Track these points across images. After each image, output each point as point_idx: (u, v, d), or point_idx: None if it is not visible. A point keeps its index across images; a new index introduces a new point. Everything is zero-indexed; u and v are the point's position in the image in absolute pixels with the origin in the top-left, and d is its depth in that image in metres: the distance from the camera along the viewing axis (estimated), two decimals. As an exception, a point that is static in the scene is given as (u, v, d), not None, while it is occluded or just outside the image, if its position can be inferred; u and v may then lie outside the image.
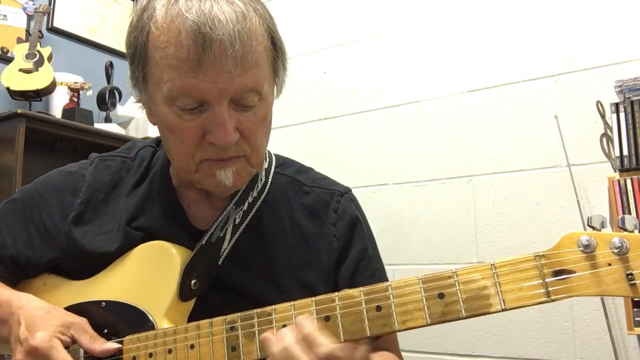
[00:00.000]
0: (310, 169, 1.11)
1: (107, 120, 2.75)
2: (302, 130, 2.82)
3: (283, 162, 1.09)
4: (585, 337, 2.04)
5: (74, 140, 2.45)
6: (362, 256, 1.02)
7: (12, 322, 0.91)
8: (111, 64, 2.82)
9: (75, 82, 2.64)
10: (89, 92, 2.70)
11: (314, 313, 0.77)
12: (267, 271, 0.97)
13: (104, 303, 0.94)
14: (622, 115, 1.89)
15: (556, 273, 0.67)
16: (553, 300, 0.66)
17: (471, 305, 0.70)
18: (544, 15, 2.27)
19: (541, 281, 0.67)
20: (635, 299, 1.78)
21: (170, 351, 0.86)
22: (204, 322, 0.84)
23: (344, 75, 2.75)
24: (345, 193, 1.07)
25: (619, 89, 1.92)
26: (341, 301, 0.76)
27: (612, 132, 1.93)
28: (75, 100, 2.64)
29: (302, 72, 2.84)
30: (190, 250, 0.94)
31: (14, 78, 2.37)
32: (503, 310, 0.68)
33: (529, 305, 0.67)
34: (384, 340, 1.00)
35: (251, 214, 0.99)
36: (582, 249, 0.66)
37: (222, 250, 0.95)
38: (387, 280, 0.98)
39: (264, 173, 1.03)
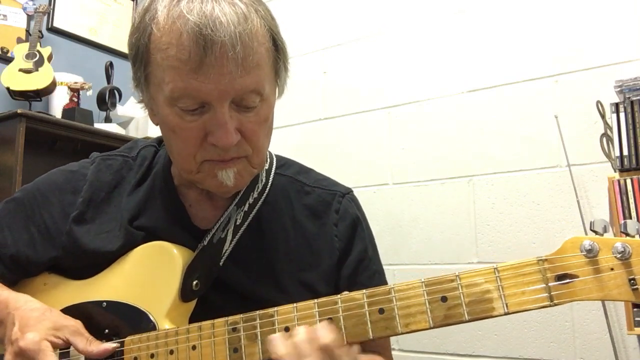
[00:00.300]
0: (311, 170, 1.12)
1: (107, 120, 2.76)
2: (302, 130, 2.82)
3: (284, 163, 1.10)
4: (585, 337, 2.04)
5: (74, 140, 2.45)
6: (363, 257, 1.03)
7: (7, 323, 0.90)
8: (111, 64, 2.82)
9: (75, 82, 2.65)
10: (89, 92, 2.70)
11: (316, 315, 0.77)
12: (268, 272, 0.97)
13: (104, 303, 0.94)
14: (622, 115, 1.89)
15: (559, 277, 0.67)
16: (556, 305, 0.66)
17: (474, 309, 0.70)
18: (544, 15, 2.27)
19: (544, 285, 0.67)
20: (635, 299, 1.77)
21: (172, 352, 0.86)
22: (205, 323, 0.84)
23: (344, 75, 2.75)
24: (346, 193, 1.07)
25: (619, 89, 1.92)
26: (344, 303, 0.76)
27: (612, 132, 1.93)
28: (75, 100, 2.64)
29: (302, 72, 2.84)
30: (192, 250, 0.94)
31: (14, 78, 2.38)
32: (506, 314, 0.68)
33: (531, 309, 0.67)
34: (374, 342, 1.00)
35: (252, 215, 0.99)
36: (584, 253, 0.66)
37: (223, 251, 0.95)
38: (386, 283, 0.98)
39: (264, 174, 1.04)
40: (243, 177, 0.91)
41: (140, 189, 1.02)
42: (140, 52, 0.86)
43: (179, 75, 0.80)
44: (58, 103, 2.58)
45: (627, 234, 0.64)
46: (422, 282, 0.73)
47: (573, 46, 2.20)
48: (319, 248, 1.00)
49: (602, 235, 0.66)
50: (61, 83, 2.58)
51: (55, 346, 0.85)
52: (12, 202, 1.05)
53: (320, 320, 0.76)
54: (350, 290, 0.78)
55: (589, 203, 2.09)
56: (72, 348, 0.88)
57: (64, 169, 1.08)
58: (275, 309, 0.80)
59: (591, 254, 0.65)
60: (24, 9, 2.59)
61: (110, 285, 0.96)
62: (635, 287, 0.62)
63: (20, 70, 2.40)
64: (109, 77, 2.80)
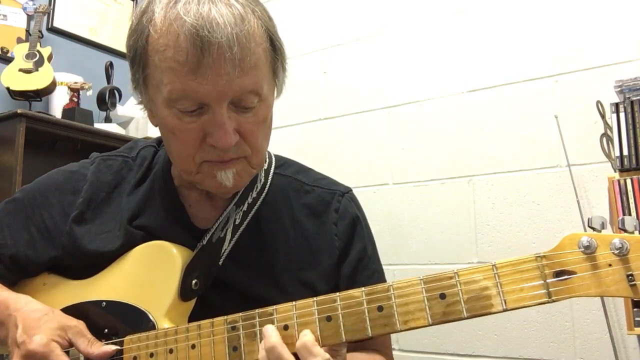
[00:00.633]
0: (310, 169, 1.12)
1: (107, 120, 2.76)
2: (302, 130, 2.82)
3: (283, 163, 1.10)
4: (585, 337, 2.04)
5: (74, 140, 2.45)
6: (362, 256, 1.03)
7: (9, 325, 0.90)
8: (111, 64, 2.82)
9: (75, 82, 2.65)
10: (89, 92, 2.70)
11: (315, 313, 0.77)
12: (267, 271, 0.97)
13: (104, 303, 0.94)
14: (622, 115, 1.89)
15: (557, 274, 0.67)
16: (554, 301, 0.66)
17: (473, 306, 0.70)
18: (544, 15, 2.27)
19: (542, 282, 0.67)
20: (635, 299, 1.78)
21: (171, 351, 0.86)
22: (205, 322, 0.84)
23: (344, 75, 2.76)
24: (346, 193, 1.07)
25: (619, 89, 1.92)
26: (343, 301, 0.76)
27: (612, 132, 1.93)
28: (75, 100, 2.64)
29: (302, 72, 2.84)
30: (191, 250, 0.94)
31: (14, 78, 2.38)
32: (504, 310, 0.68)
33: (530, 306, 0.68)
34: (374, 340, 1.00)
35: (251, 215, 0.99)
36: (582, 249, 0.66)
37: (222, 251, 0.95)
38: (385, 282, 0.98)
39: (263, 174, 1.04)
40: (242, 177, 0.91)
41: (140, 189, 1.02)
42: (138, 54, 0.86)
43: (176, 76, 0.81)
44: (58, 103, 2.58)
45: (625, 230, 0.64)
46: (421, 279, 0.73)
47: (573, 46, 2.20)
48: (318, 247, 1.01)
49: (600, 231, 0.66)
50: (61, 83, 2.58)
51: (60, 346, 0.86)
52: (12, 203, 1.06)
53: (319, 319, 0.77)
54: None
55: (589, 203, 2.09)
56: (72, 348, 0.89)
57: (64, 169, 1.08)
58: (274, 307, 0.80)
59: (589, 251, 0.65)
60: (24, 9, 2.60)
61: (110, 285, 0.96)
62: (633, 283, 0.62)
63: (20, 70, 2.40)
64: (109, 77, 2.80)
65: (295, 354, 0.76)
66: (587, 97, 2.12)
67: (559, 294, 0.66)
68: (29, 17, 2.61)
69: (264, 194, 1.02)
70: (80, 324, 0.90)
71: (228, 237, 0.96)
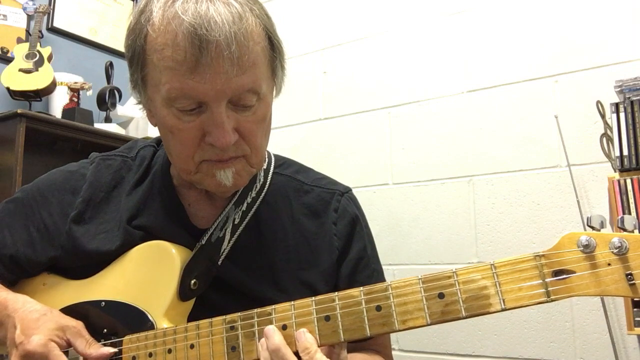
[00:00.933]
0: (310, 169, 1.12)
1: (107, 120, 2.76)
2: (302, 130, 2.82)
3: (283, 162, 1.10)
4: (585, 337, 2.04)
5: (74, 140, 2.45)
6: (362, 255, 1.03)
7: (7, 326, 0.90)
8: (111, 64, 2.82)
9: (75, 82, 2.65)
10: (89, 92, 2.70)
11: (314, 313, 0.77)
12: (267, 271, 0.97)
13: (103, 303, 0.94)
14: (622, 115, 1.89)
15: (556, 273, 0.67)
16: (553, 300, 0.66)
17: (471, 305, 0.70)
18: (544, 15, 2.27)
19: (541, 281, 0.67)
20: (635, 299, 1.78)
21: (170, 351, 0.86)
22: (203, 322, 0.84)
23: (344, 75, 2.75)
24: (345, 192, 1.07)
25: (619, 89, 1.92)
26: (341, 301, 0.76)
27: (612, 132, 1.93)
28: (75, 100, 2.64)
29: (302, 72, 2.84)
30: (190, 250, 0.94)
31: (14, 78, 2.38)
32: (503, 310, 0.68)
33: (529, 305, 0.67)
34: (374, 341, 1.00)
35: (250, 214, 0.99)
36: (581, 249, 0.66)
37: (221, 250, 0.95)
38: (384, 281, 0.98)
39: (262, 173, 1.04)
40: (242, 176, 0.91)
41: (139, 189, 1.02)
42: (137, 54, 0.86)
43: (175, 75, 0.81)
44: (58, 103, 2.58)
45: (624, 229, 0.64)
46: (419, 279, 0.73)
47: (573, 46, 2.20)
48: (318, 247, 1.00)
49: (599, 230, 0.66)
50: (61, 83, 2.58)
51: (58, 347, 0.86)
52: (11, 203, 1.06)
53: (317, 319, 0.76)
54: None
55: (589, 203, 2.09)
56: (71, 348, 0.89)
57: (63, 169, 1.08)
58: (273, 307, 0.80)
59: (588, 250, 0.65)
60: (24, 9, 2.59)
61: (109, 285, 0.96)
62: (632, 282, 0.62)
63: (20, 70, 2.40)
64: (109, 77, 2.80)
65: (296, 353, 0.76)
66: (587, 97, 2.12)
67: (558, 294, 0.66)
68: (29, 17, 2.61)
69: (263, 194, 1.02)
70: (78, 324, 0.90)
71: (227, 236, 0.96)
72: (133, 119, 2.81)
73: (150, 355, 0.87)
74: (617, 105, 1.91)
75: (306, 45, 2.87)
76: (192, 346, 0.84)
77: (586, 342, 2.03)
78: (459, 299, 0.70)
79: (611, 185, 1.88)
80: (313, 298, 0.78)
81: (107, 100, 2.72)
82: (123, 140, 2.45)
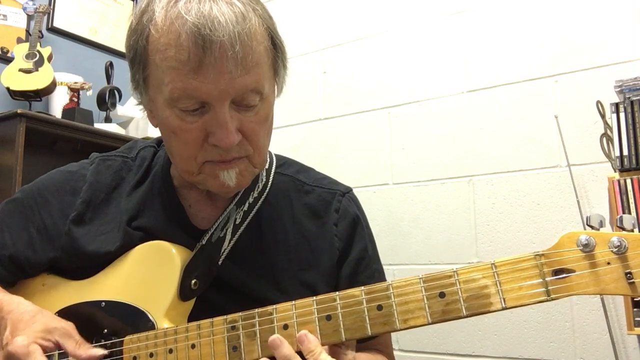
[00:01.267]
0: (311, 169, 1.12)
1: (107, 120, 2.75)
2: (302, 130, 2.82)
3: (284, 163, 1.10)
4: (585, 337, 2.04)
5: (74, 140, 2.45)
6: (363, 256, 1.03)
7: (0, 327, 0.90)
8: (111, 64, 2.82)
9: (75, 82, 2.64)
10: (89, 92, 2.70)
11: (315, 312, 0.77)
12: (267, 271, 0.97)
13: (103, 303, 0.94)
14: (622, 115, 1.89)
15: (556, 272, 0.67)
16: (553, 299, 0.66)
17: (472, 304, 0.70)
18: (544, 15, 2.27)
19: (541, 280, 0.68)
20: (635, 299, 1.78)
21: (171, 351, 0.86)
22: (204, 322, 0.84)
23: (344, 75, 2.76)
24: (346, 193, 1.07)
25: (619, 89, 1.92)
26: (342, 300, 0.76)
27: (612, 132, 1.93)
28: (75, 100, 2.64)
29: (302, 72, 2.84)
30: (191, 250, 0.93)
31: (14, 78, 2.37)
32: (503, 309, 0.69)
33: (529, 304, 0.68)
34: (376, 341, 1.00)
35: (252, 214, 0.99)
36: (581, 248, 0.66)
37: (222, 250, 0.95)
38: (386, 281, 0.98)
39: (264, 173, 1.04)
40: (245, 177, 0.91)
41: (139, 189, 1.02)
42: (139, 54, 0.85)
43: (178, 75, 0.80)
44: (58, 103, 2.58)
45: (624, 229, 0.64)
46: (420, 278, 0.73)
47: (573, 46, 2.20)
48: (318, 247, 1.00)
49: (598, 230, 0.66)
50: (61, 83, 2.58)
51: (45, 349, 0.85)
52: (11, 203, 1.06)
53: (319, 318, 0.76)
54: None
55: (589, 203, 2.09)
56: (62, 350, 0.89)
57: (63, 170, 1.08)
58: (274, 307, 0.80)
59: (587, 249, 0.65)
60: (24, 9, 2.59)
61: (109, 285, 0.96)
62: (631, 281, 0.62)
63: (20, 70, 2.39)
64: (109, 77, 2.80)
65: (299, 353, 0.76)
66: (587, 97, 2.12)
67: (558, 293, 0.67)
68: (29, 17, 2.61)
69: (265, 194, 1.02)
70: (68, 325, 0.89)
71: (228, 236, 0.96)
72: (133, 119, 2.81)
73: (151, 355, 0.87)
74: (617, 105, 1.91)
75: (306, 45, 2.87)
76: (193, 346, 0.84)
77: (586, 342, 2.04)
78: (460, 298, 0.70)
79: (611, 185, 1.88)
80: (314, 298, 0.78)
81: (107, 100, 2.72)
82: (123, 140, 2.45)
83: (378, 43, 2.67)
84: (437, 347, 2.31)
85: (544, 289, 0.67)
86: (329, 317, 0.76)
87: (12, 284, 1.03)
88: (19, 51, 2.47)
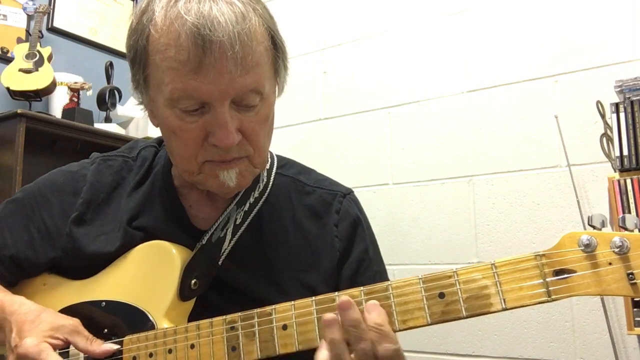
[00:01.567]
0: (312, 170, 1.11)
1: (107, 120, 2.75)
2: (302, 130, 2.82)
3: (285, 163, 1.09)
4: (585, 337, 2.04)
5: (74, 140, 2.45)
6: (363, 257, 1.02)
7: (6, 329, 0.90)
8: (111, 64, 2.82)
9: (75, 82, 2.64)
10: (89, 92, 2.70)
11: (314, 313, 0.77)
12: (267, 271, 0.97)
13: (103, 303, 0.94)
14: (622, 115, 1.89)
15: (557, 272, 0.67)
16: (554, 300, 0.66)
17: (472, 305, 0.70)
18: (544, 15, 2.27)
19: (542, 281, 0.67)
20: (635, 299, 1.78)
21: (170, 351, 0.86)
22: (204, 322, 0.84)
23: (344, 75, 2.76)
24: (347, 194, 1.07)
25: (619, 89, 1.92)
26: None
27: (612, 132, 1.93)
28: (75, 100, 2.64)
29: (302, 72, 2.84)
30: (191, 250, 0.93)
31: (14, 78, 2.37)
32: (504, 309, 0.68)
33: (529, 305, 0.67)
34: None
35: (252, 215, 0.99)
36: (582, 248, 0.66)
37: (222, 250, 0.95)
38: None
39: (265, 174, 1.03)
40: (245, 177, 0.91)
41: (140, 189, 1.02)
42: (139, 54, 0.85)
43: (178, 76, 0.80)
44: (58, 103, 2.58)
45: (626, 229, 0.64)
46: (420, 278, 0.73)
47: (573, 46, 2.20)
48: (319, 248, 1.00)
49: (600, 230, 0.66)
50: (61, 83, 2.58)
51: (54, 347, 0.85)
52: (12, 203, 1.06)
53: (318, 319, 0.76)
54: None
55: (589, 203, 2.09)
56: (71, 347, 0.88)
57: (64, 170, 1.08)
58: (273, 307, 0.80)
59: (589, 249, 0.65)
60: (24, 9, 2.59)
61: (109, 285, 0.96)
62: (633, 281, 0.62)
63: (20, 70, 2.39)
64: (109, 77, 2.80)
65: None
66: (587, 97, 2.12)
67: (558, 293, 0.66)
68: (29, 17, 2.61)
69: (266, 194, 1.02)
70: (75, 322, 0.89)
71: (228, 237, 0.96)
72: (133, 119, 2.81)
73: (151, 355, 0.87)
74: (617, 105, 1.91)
75: (306, 45, 2.87)
76: (192, 346, 0.84)
77: (586, 342, 2.04)
78: (460, 298, 0.70)
79: (611, 185, 1.88)
80: (313, 298, 0.78)
81: (107, 100, 2.72)
82: (123, 140, 2.45)
83: (378, 43, 2.67)
84: (437, 347, 2.31)
85: (544, 290, 0.67)
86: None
87: (14, 284, 1.03)
88: (19, 51, 2.47)
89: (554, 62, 2.23)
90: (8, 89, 2.36)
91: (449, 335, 2.29)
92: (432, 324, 0.71)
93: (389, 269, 1.08)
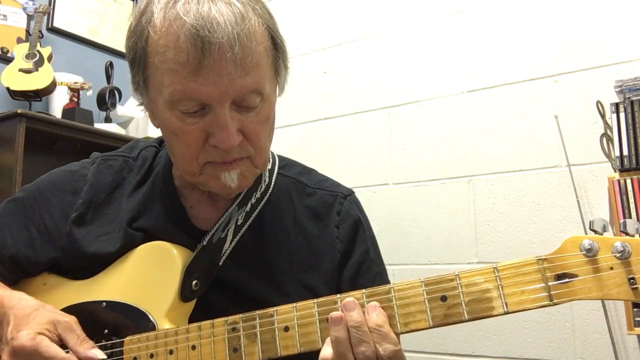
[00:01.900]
0: (313, 171, 1.11)
1: (107, 120, 2.75)
2: (302, 130, 2.82)
3: (286, 164, 1.09)
4: (585, 337, 2.04)
5: (74, 140, 2.45)
6: (364, 259, 1.02)
7: (3, 323, 0.90)
8: (111, 64, 2.81)
9: (75, 82, 2.64)
10: (89, 92, 2.69)
11: (316, 315, 0.77)
12: (268, 272, 0.97)
13: (104, 303, 0.94)
14: (622, 115, 1.89)
15: (559, 277, 0.67)
16: (555, 304, 0.66)
17: (474, 308, 0.70)
18: (544, 15, 2.27)
19: (544, 285, 0.67)
20: (635, 299, 1.77)
21: (171, 352, 0.86)
22: (205, 323, 0.84)
23: (344, 75, 2.75)
24: (348, 195, 1.07)
25: (619, 89, 1.92)
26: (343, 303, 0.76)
27: (612, 132, 1.93)
28: (75, 100, 2.64)
29: (302, 72, 2.84)
30: (192, 251, 0.93)
31: (14, 78, 2.37)
32: (505, 313, 0.68)
33: (531, 309, 0.68)
34: None
35: (254, 215, 0.99)
36: (584, 252, 0.66)
37: (223, 251, 0.95)
38: (388, 284, 0.98)
39: (267, 174, 1.03)
40: (246, 177, 0.91)
41: (141, 190, 1.02)
42: (138, 56, 0.85)
43: (177, 78, 0.80)
44: (58, 103, 2.58)
45: (627, 233, 0.64)
46: (422, 281, 0.73)
47: (573, 46, 2.20)
48: (320, 250, 1.00)
49: (601, 234, 0.66)
50: (61, 83, 2.58)
51: (48, 339, 0.85)
52: (12, 202, 1.06)
53: (319, 321, 0.76)
54: None
55: (589, 203, 2.09)
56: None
57: (64, 169, 1.07)
58: (275, 308, 0.80)
59: (591, 254, 0.65)
60: (24, 9, 2.59)
61: (110, 285, 0.96)
62: (634, 286, 0.62)
63: (20, 70, 2.39)
64: (109, 77, 2.80)
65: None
66: (587, 97, 2.12)
67: (560, 297, 0.67)
68: (29, 17, 2.61)
69: (267, 195, 1.02)
70: (71, 320, 0.89)
71: (229, 237, 0.96)
72: (133, 119, 2.81)
73: (152, 356, 0.87)
74: (617, 105, 1.91)
75: (306, 45, 2.87)
76: (193, 347, 0.84)
77: (586, 342, 2.04)
78: (462, 302, 0.70)
79: (611, 185, 1.88)
80: (315, 300, 0.78)
81: (107, 100, 2.72)
82: (123, 140, 2.45)
83: (378, 43, 2.67)
84: (437, 347, 2.31)
85: (546, 294, 0.67)
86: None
87: (14, 283, 1.03)
88: (19, 51, 2.46)
89: (554, 62, 2.23)
90: (8, 89, 2.36)
91: (449, 335, 2.29)
92: (434, 326, 0.72)
93: (389, 269, 1.08)
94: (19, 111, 2.16)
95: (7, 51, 2.58)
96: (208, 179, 0.89)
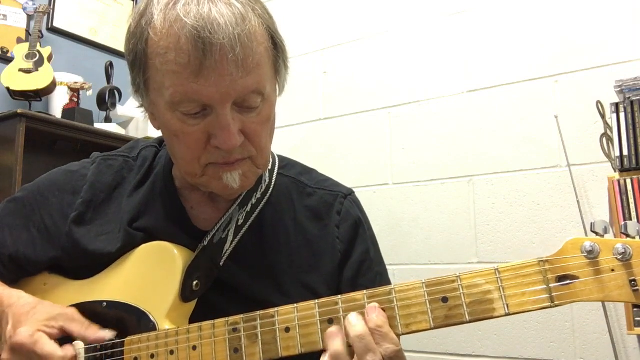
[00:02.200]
0: (313, 171, 1.11)
1: (107, 120, 2.75)
2: (302, 130, 2.82)
3: (286, 164, 1.09)
4: (585, 337, 2.04)
5: (74, 140, 2.45)
6: (365, 259, 1.02)
7: (2, 322, 0.91)
8: (111, 64, 2.81)
9: (75, 82, 2.64)
10: (89, 92, 2.69)
11: (317, 315, 0.77)
12: (269, 273, 0.97)
13: (104, 303, 0.94)
14: (622, 115, 1.89)
15: (560, 278, 0.67)
16: (557, 306, 0.66)
17: (475, 310, 0.70)
18: (544, 15, 2.27)
19: (545, 286, 0.67)
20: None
21: (172, 352, 0.86)
22: (206, 324, 0.84)
23: (344, 75, 2.75)
24: (348, 195, 1.07)
25: (619, 89, 1.92)
26: (344, 304, 0.76)
27: (612, 132, 1.94)
28: (75, 100, 2.64)
29: (302, 72, 2.84)
30: (192, 251, 0.93)
31: (14, 78, 2.37)
32: (507, 314, 0.68)
33: (532, 310, 0.67)
34: None
35: (254, 215, 0.99)
36: (585, 254, 0.66)
37: (224, 251, 0.95)
38: (389, 283, 0.98)
39: (267, 174, 1.03)
40: (248, 178, 0.91)
41: (141, 190, 1.02)
42: (139, 58, 0.84)
43: (178, 79, 0.80)
44: (58, 103, 2.58)
45: (628, 235, 0.64)
46: (423, 282, 0.73)
47: (573, 46, 2.20)
48: (320, 250, 1.00)
49: (602, 236, 0.66)
50: (61, 83, 2.58)
51: (50, 336, 0.86)
52: (12, 202, 1.06)
53: (320, 322, 0.76)
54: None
55: (589, 203, 2.09)
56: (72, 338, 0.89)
57: (64, 169, 1.08)
58: (276, 309, 0.80)
59: (592, 255, 0.65)
60: (24, 9, 2.59)
61: (111, 285, 0.96)
62: (636, 288, 0.62)
63: (20, 70, 2.39)
64: (109, 77, 2.80)
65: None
66: (587, 97, 2.12)
67: (561, 299, 0.67)
68: (29, 17, 2.61)
69: (268, 195, 1.02)
70: (71, 310, 0.89)
71: (230, 237, 0.96)
72: (133, 119, 2.81)
73: (153, 356, 0.87)
74: (617, 105, 1.91)
75: (306, 45, 2.87)
76: (194, 347, 0.84)
77: (586, 342, 2.04)
78: (463, 303, 0.70)
79: (611, 185, 1.88)
80: (316, 301, 0.78)
81: (107, 100, 2.72)
82: (123, 140, 2.45)
83: (378, 43, 2.67)
84: (437, 347, 2.31)
85: (547, 295, 0.67)
86: (331, 321, 0.76)
87: (14, 282, 1.03)
88: (19, 51, 2.46)
89: (554, 62, 2.23)
90: (8, 89, 2.36)
91: (449, 335, 2.29)
92: (435, 328, 0.72)
93: (389, 269, 1.08)
94: (19, 111, 2.16)
95: (7, 51, 2.57)
96: (210, 180, 0.89)
